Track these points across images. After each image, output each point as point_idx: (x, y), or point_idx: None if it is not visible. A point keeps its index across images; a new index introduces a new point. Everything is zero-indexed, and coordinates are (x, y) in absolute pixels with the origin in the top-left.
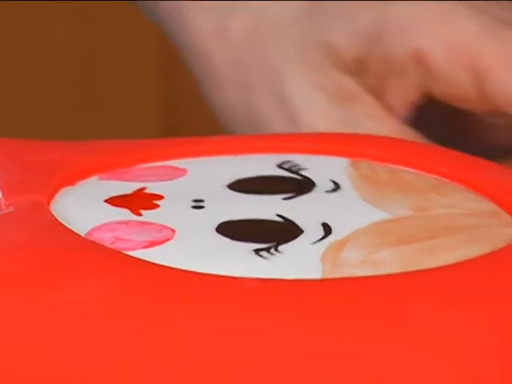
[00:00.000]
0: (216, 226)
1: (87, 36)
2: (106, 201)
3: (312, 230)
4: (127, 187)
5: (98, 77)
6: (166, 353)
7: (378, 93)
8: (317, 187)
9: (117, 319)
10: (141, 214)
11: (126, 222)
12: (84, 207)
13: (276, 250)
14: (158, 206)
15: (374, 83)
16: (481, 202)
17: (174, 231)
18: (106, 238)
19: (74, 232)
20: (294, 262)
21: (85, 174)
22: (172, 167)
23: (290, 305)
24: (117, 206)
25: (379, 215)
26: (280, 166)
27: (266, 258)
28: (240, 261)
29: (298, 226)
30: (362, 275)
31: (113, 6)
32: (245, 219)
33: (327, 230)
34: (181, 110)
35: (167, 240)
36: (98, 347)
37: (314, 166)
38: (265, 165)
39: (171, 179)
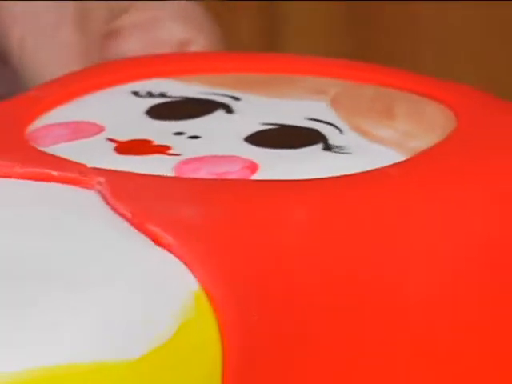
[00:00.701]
0: (250, 145)
1: None
2: (117, 152)
3: (322, 127)
4: (95, 142)
5: None
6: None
7: None
8: (226, 103)
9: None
10: (178, 154)
11: (189, 161)
12: (109, 161)
13: (333, 146)
14: (168, 146)
15: None
16: (330, 80)
17: (239, 157)
18: (205, 176)
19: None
20: (368, 152)
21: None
22: (79, 122)
23: (437, 181)
24: (139, 154)
25: (321, 103)
26: (136, 94)
27: (341, 153)
28: (331, 160)
29: (308, 128)
30: (432, 146)
31: None
32: (257, 131)
33: (330, 124)
34: None
35: (257, 162)
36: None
37: (165, 89)
38: (124, 95)
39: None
